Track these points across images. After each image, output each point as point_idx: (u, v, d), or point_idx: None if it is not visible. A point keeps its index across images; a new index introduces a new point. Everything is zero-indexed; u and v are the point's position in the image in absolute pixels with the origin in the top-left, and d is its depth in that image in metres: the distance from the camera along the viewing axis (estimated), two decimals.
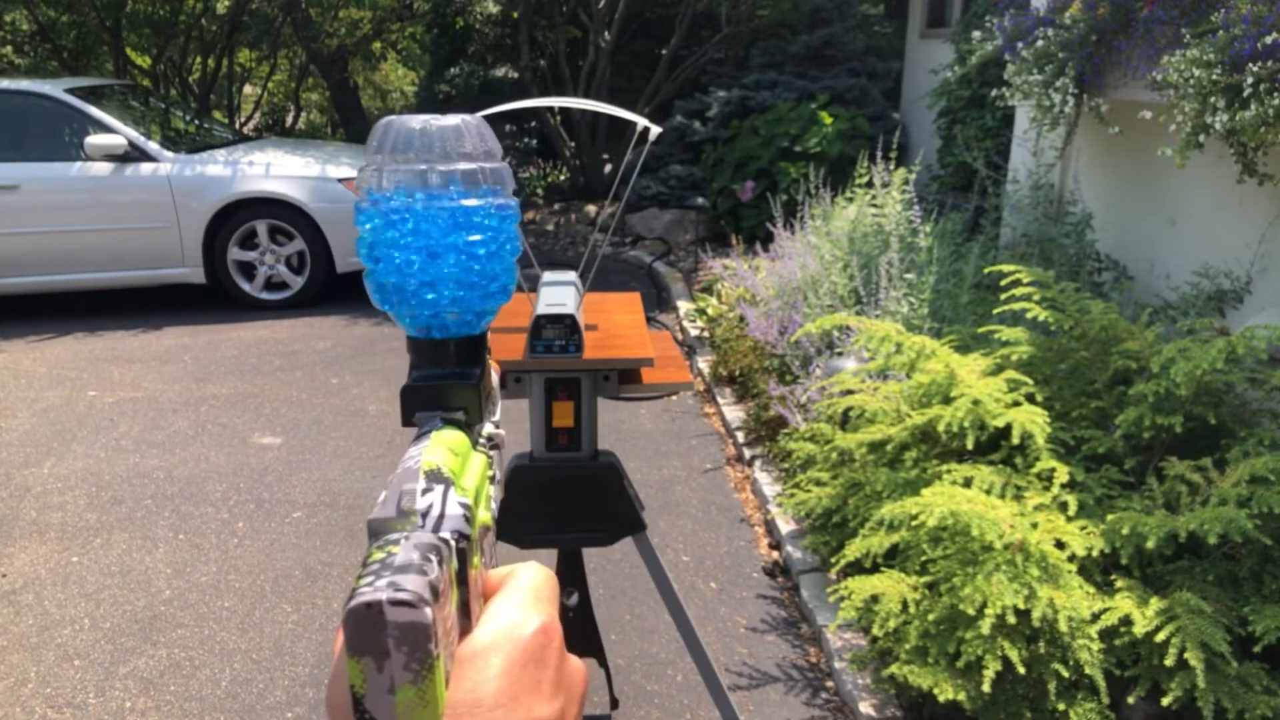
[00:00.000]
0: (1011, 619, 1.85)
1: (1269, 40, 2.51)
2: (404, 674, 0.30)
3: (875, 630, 2.09)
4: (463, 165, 0.43)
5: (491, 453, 0.45)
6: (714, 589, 2.72)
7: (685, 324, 5.13)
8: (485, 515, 0.40)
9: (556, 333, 1.43)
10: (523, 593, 0.38)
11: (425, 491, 0.36)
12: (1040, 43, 3.60)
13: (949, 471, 2.27)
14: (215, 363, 4.67)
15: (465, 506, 0.36)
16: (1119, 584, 2.02)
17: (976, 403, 2.32)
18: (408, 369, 0.45)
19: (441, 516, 0.35)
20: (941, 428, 2.34)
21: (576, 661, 0.38)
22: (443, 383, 0.44)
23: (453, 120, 0.43)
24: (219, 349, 4.90)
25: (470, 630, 0.36)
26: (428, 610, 0.30)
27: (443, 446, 0.39)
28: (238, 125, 10.68)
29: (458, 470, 0.39)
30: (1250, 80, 2.55)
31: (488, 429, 0.46)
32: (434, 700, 0.31)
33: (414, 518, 0.35)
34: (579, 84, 8.12)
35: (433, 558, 0.32)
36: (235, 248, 5.54)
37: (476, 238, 0.44)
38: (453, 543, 0.34)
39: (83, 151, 5.31)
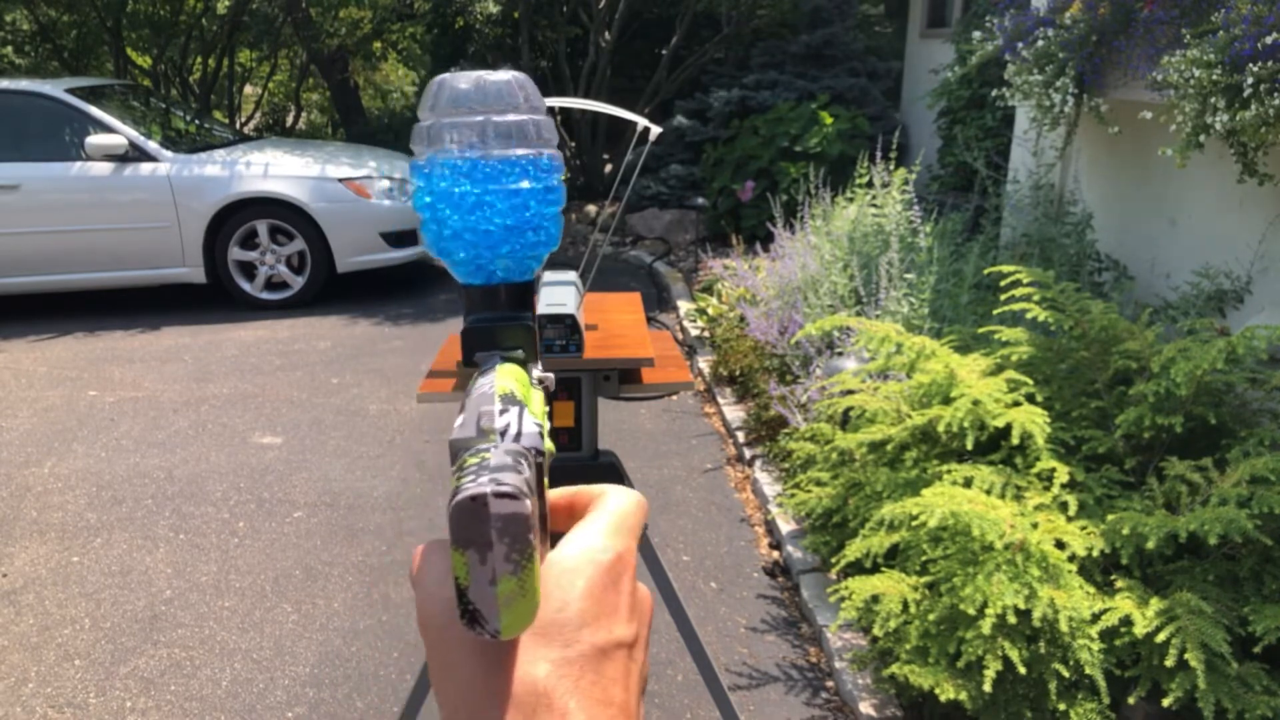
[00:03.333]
0: (1012, 619, 1.85)
1: (1269, 40, 2.51)
2: (505, 565, 0.31)
3: (875, 630, 2.09)
4: (514, 118, 0.44)
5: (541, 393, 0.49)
6: (714, 589, 2.72)
7: (685, 324, 5.13)
8: (549, 444, 0.42)
9: (557, 333, 1.43)
10: (609, 517, 0.40)
11: (502, 412, 0.37)
12: (1040, 43, 3.60)
13: (949, 472, 2.27)
14: (215, 362, 4.67)
15: (539, 425, 0.38)
16: (1119, 584, 2.02)
17: (976, 403, 2.32)
18: (463, 316, 0.47)
19: (519, 435, 0.37)
20: (941, 428, 2.34)
21: (645, 589, 0.40)
22: (500, 324, 0.47)
23: (505, 75, 0.45)
24: (219, 349, 4.90)
25: (545, 544, 0.38)
26: (528, 502, 0.31)
27: (509, 376, 0.42)
28: (238, 125, 10.68)
29: (526, 397, 0.41)
30: (1250, 80, 2.55)
31: (536, 373, 0.49)
32: (532, 590, 0.32)
33: (493, 436, 0.36)
34: (579, 84, 8.12)
35: (522, 462, 0.34)
36: (236, 247, 5.54)
37: (528, 186, 0.45)
38: (532, 456, 0.36)
39: (83, 151, 5.31)
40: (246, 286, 5.63)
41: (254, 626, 2.53)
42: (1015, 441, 2.23)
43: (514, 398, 0.39)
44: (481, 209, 0.45)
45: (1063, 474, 2.14)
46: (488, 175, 0.44)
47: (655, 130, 1.55)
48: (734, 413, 3.90)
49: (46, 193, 5.28)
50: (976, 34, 4.24)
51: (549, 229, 0.47)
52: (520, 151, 0.45)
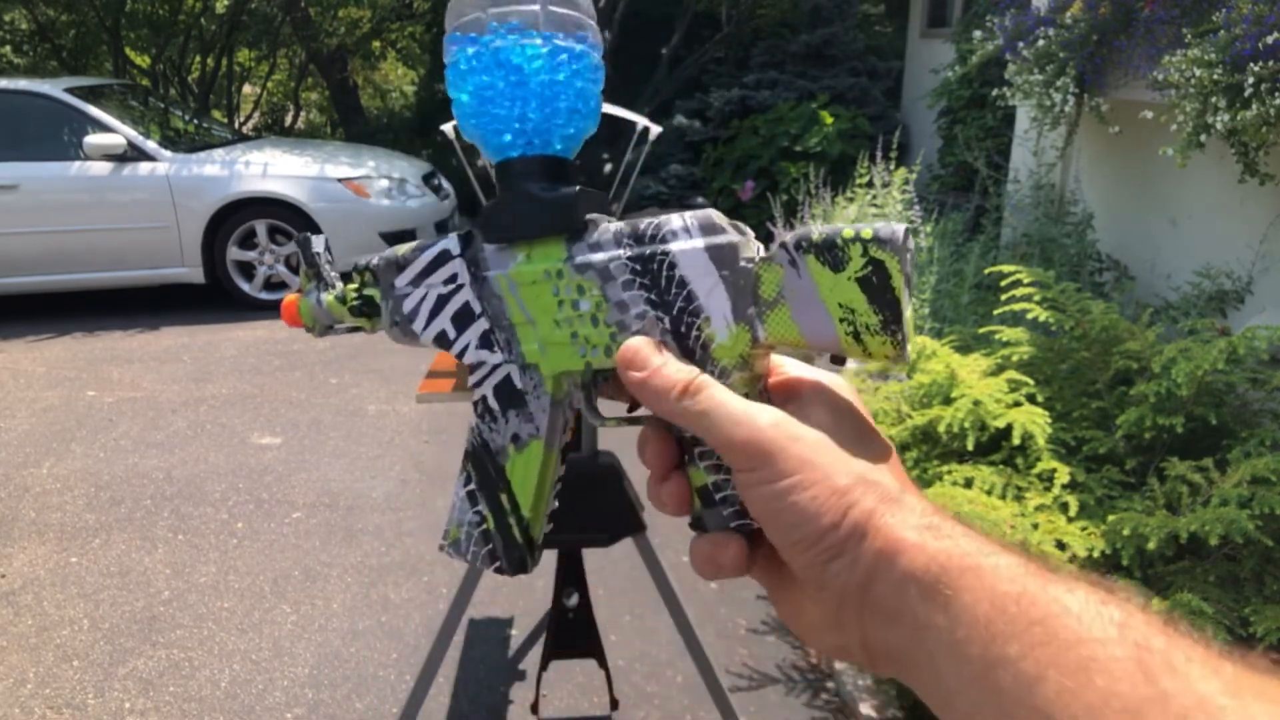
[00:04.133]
0: None
1: (1270, 40, 2.51)
2: (908, 293, 0.38)
3: None
4: (566, 10, 0.48)
5: None
6: (714, 590, 2.71)
7: None
8: None
9: None
10: None
11: (744, 231, 0.44)
12: (1041, 42, 3.59)
13: (950, 472, 2.27)
14: (214, 363, 4.67)
15: None
16: (1120, 585, 2.02)
17: (977, 403, 2.32)
18: (534, 189, 0.48)
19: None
20: (942, 428, 2.33)
21: None
22: (595, 194, 0.50)
23: None
24: (218, 349, 4.89)
25: None
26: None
27: None
28: (237, 125, 10.67)
29: None
30: (1251, 80, 2.54)
31: None
32: (913, 324, 0.39)
33: (749, 238, 0.43)
34: None
35: None
36: (234, 247, 5.53)
37: (586, 54, 0.48)
38: None
39: (82, 151, 5.30)
40: (245, 286, 5.62)
41: (253, 627, 2.52)
42: (1016, 442, 2.22)
43: (732, 221, 0.45)
44: (548, 74, 0.46)
45: (1063, 474, 2.14)
46: (546, 36, 0.46)
47: (655, 130, 1.54)
48: None
49: (45, 193, 5.28)
50: (977, 34, 4.23)
51: (595, 107, 0.50)
52: (572, 12, 0.47)
